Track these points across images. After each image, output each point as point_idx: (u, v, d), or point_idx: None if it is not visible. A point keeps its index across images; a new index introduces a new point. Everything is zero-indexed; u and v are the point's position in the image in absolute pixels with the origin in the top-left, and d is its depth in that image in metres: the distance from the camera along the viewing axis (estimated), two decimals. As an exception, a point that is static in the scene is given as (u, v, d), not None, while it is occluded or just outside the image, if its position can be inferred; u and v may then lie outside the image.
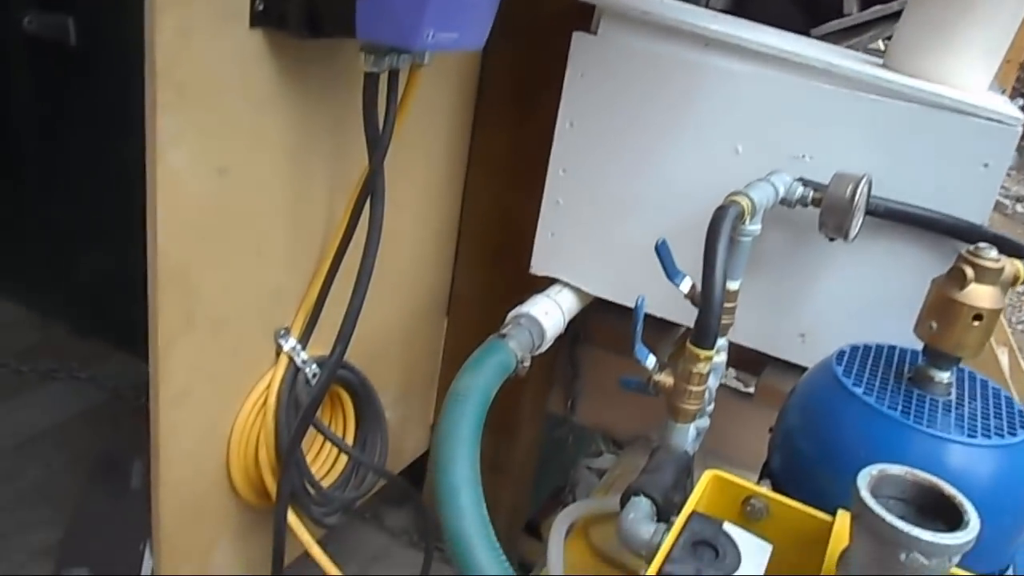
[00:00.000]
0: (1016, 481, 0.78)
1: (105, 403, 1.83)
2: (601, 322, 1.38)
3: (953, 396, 0.82)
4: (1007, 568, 0.82)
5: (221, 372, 0.94)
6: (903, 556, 0.60)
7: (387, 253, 0.99)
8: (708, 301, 0.78)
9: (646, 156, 1.09)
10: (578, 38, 1.09)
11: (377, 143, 0.89)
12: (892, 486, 0.66)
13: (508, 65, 1.25)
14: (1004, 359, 2.46)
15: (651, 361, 0.85)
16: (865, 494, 0.61)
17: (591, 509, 1.10)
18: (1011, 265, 0.80)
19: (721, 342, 0.97)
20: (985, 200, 0.92)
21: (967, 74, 0.98)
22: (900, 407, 0.79)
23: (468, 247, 1.39)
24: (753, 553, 0.70)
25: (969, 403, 0.82)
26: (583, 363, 1.50)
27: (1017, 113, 0.90)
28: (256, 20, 0.80)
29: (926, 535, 0.59)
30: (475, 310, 1.42)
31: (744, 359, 1.20)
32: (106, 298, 1.17)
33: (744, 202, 0.85)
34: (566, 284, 1.19)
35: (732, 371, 1.65)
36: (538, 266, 1.22)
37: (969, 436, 0.77)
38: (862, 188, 0.88)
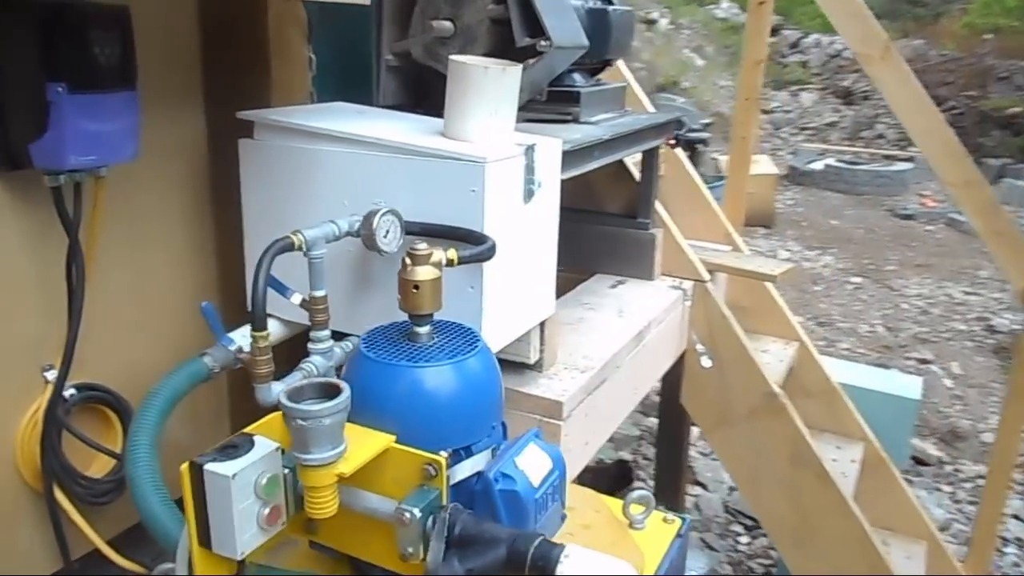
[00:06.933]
0: (466, 382, 1.21)
1: None
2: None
3: (435, 341, 1.26)
4: (477, 442, 1.23)
5: (6, 393, 1.41)
6: (296, 423, 1.03)
7: (150, 307, 1.45)
8: (253, 300, 1.24)
9: (299, 213, 1.56)
10: (243, 143, 1.58)
11: (70, 226, 1.37)
12: (311, 391, 1.08)
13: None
14: (790, 351, 2.88)
15: (234, 345, 1.29)
16: (283, 399, 1.04)
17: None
18: (443, 252, 1.25)
19: (325, 333, 1.41)
20: (476, 213, 1.38)
21: (474, 132, 1.45)
22: (390, 355, 1.22)
23: (228, 297, 1.85)
24: (265, 446, 1.13)
25: (442, 343, 1.25)
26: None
27: (484, 154, 1.36)
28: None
29: (295, 405, 1.02)
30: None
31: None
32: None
33: (296, 237, 1.31)
34: (272, 315, 1.64)
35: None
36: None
37: (427, 362, 1.20)
38: (379, 218, 1.34)
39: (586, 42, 1.73)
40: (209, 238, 1.80)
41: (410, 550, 1.09)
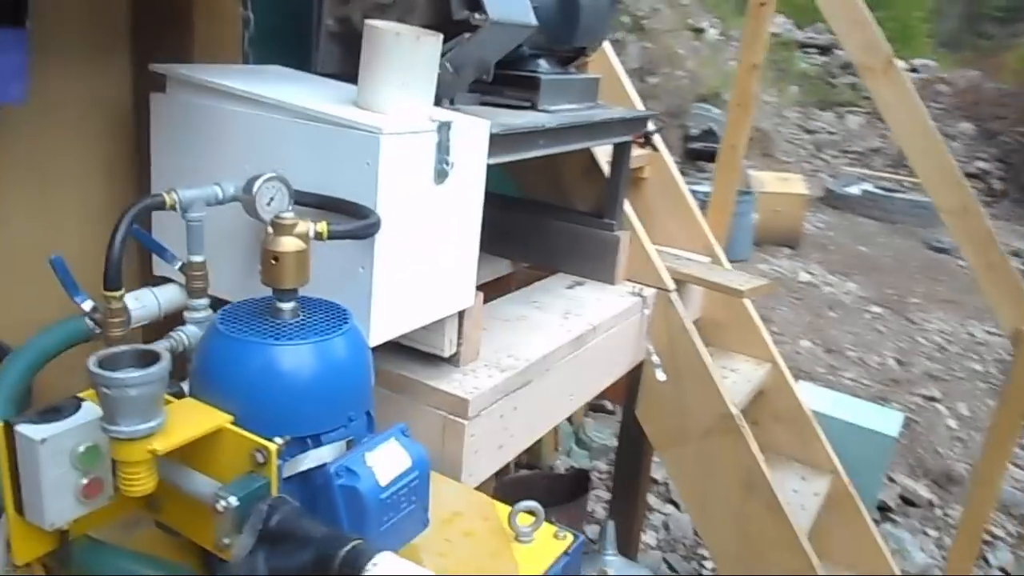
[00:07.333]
0: (322, 365, 1.11)
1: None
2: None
3: (297, 319, 1.16)
4: (329, 432, 1.13)
5: None
6: (100, 390, 0.95)
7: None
8: (108, 259, 1.16)
9: (204, 173, 1.47)
10: (154, 97, 1.51)
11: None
12: (131, 358, 1.00)
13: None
14: (761, 372, 2.74)
15: (88, 304, 1.22)
16: (91, 364, 0.96)
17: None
18: (311, 224, 1.16)
19: (203, 301, 1.33)
20: (370, 187, 1.28)
21: (385, 102, 1.36)
22: (241, 330, 1.12)
23: (146, 256, 1.78)
24: (90, 413, 1.05)
25: (304, 321, 1.16)
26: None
27: (380, 125, 1.27)
28: None
29: (99, 371, 0.94)
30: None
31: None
32: None
33: (168, 196, 1.23)
34: (173, 280, 1.56)
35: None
36: (156, 269, 1.60)
37: (278, 340, 1.11)
38: (262, 183, 1.25)
39: (533, 21, 1.63)
40: (130, 194, 1.73)
41: (226, 540, 1.01)
